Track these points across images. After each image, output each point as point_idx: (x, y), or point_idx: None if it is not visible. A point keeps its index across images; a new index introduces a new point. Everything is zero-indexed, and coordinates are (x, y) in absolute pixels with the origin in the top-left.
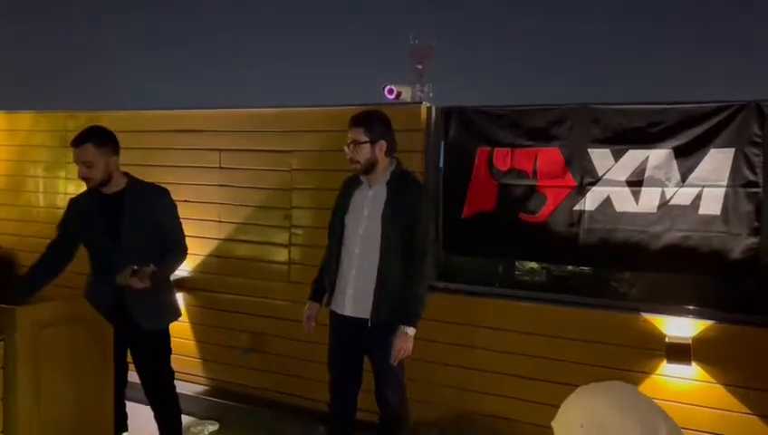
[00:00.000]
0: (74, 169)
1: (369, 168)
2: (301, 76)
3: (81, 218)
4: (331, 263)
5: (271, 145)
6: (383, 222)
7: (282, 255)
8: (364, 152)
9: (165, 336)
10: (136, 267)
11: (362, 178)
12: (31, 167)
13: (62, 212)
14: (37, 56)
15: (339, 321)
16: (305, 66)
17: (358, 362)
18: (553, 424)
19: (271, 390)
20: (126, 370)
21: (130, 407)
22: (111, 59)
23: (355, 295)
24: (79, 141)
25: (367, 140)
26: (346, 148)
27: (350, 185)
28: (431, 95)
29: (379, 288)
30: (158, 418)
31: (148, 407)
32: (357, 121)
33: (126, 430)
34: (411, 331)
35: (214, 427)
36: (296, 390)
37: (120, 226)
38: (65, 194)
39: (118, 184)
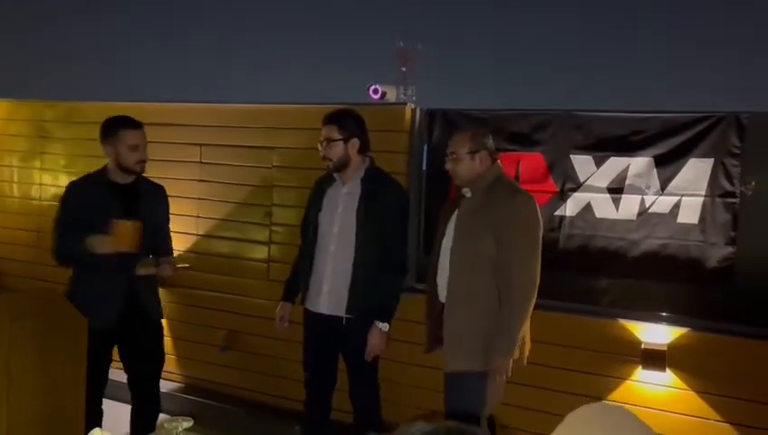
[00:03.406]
0: (50, 159)
1: (342, 166)
2: (284, 73)
3: (93, 207)
4: (305, 261)
5: (253, 141)
6: (358, 219)
7: (261, 252)
8: (337, 150)
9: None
10: (152, 257)
11: (336, 175)
12: (6, 156)
13: (36, 203)
14: (17, 44)
15: (313, 319)
16: (289, 63)
17: (332, 360)
18: None
19: (247, 388)
20: (108, 368)
21: (105, 403)
22: (93, 49)
23: (330, 293)
24: (140, 123)
25: (340, 137)
26: (319, 145)
27: (323, 183)
28: (414, 98)
29: (355, 285)
30: (137, 412)
31: (119, 404)
32: (330, 119)
33: (100, 426)
34: (385, 327)
35: (188, 423)
36: (273, 388)
37: (135, 216)
38: (40, 185)
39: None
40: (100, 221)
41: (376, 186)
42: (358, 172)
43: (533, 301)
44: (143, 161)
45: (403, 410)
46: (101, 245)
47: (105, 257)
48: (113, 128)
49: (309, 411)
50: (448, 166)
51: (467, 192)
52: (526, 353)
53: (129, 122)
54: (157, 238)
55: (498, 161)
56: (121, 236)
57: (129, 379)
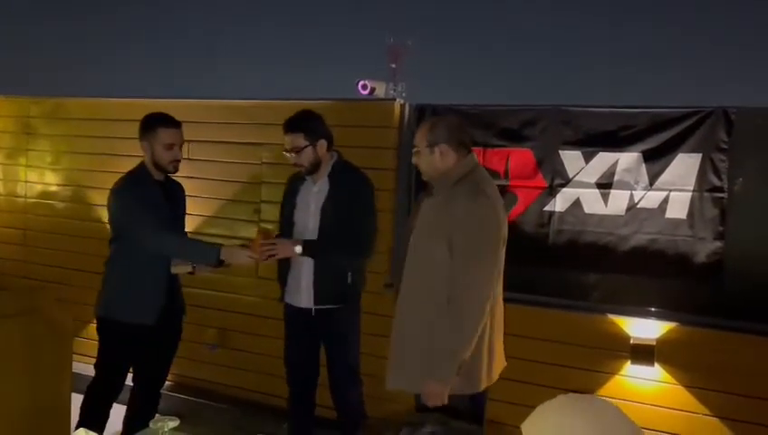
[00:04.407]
0: (36, 156)
1: (315, 168)
2: (272, 68)
3: (153, 207)
4: (283, 258)
5: (241, 137)
6: (323, 213)
7: None
8: (307, 156)
9: None
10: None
11: (306, 175)
12: None
13: (22, 201)
14: (2, 41)
15: (294, 313)
16: (278, 59)
17: (314, 353)
18: (523, 428)
19: (236, 386)
20: (128, 372)
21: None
22: (80, 45)
23: (309, 288)
24: (178, 122)
25: (307, 144)
26: (287, 155)
27: (295, 182)
28: (404, 94)
29: (318, 275)
30: (136, 411)
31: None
32: (293, 127)
33: (102, 432)
34: (299, 249)
35: (174, 423)
36: (262, 386)
37: (176, 213)
38: (26, 182)
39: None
40: (164, 221)
41: (342, 179)
42: (327, 169)
43: (480, 319)
44: (177, 161)
45: (386, 406)
46: (239, 257)
47: (151, 255)
48: (151, 125)
49: (293, 408)
50: (413, 160)
51: (435, 190)
52: (493, 376)
53: (167, 121)
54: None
55: (471, 156)
56: (260, 246)
57: (139, 378)
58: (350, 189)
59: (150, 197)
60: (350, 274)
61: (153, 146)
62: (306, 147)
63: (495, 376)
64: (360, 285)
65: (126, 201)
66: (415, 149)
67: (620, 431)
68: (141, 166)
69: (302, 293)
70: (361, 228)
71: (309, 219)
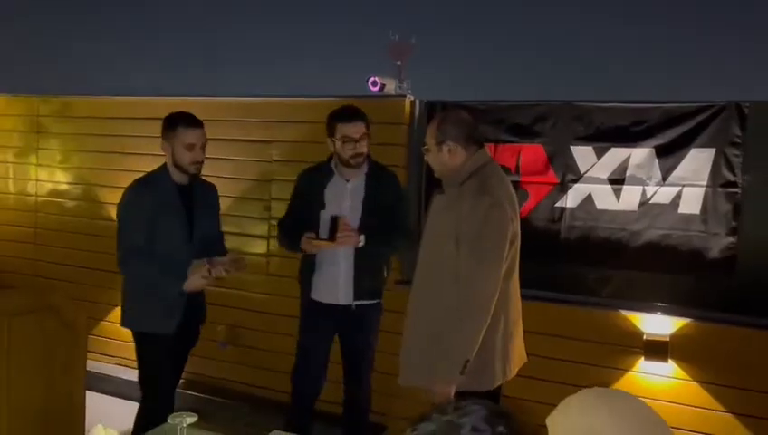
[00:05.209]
0: (46, 155)
1: (365, 160)
2: (282, 66)
3: (159, 208)
4: (309, 257)
5: (251, 135)
6: (365, 208)
7: (260, 247)
8: (366, 145)
9: None
10: (205, 260)
11: (335, 170)
12: (1, 152)
13: (32, 199)
14: (9, 39)
15: (323, 310)
16: (286, 56)
17: (329, 351)
18: (548, 422)
19: (248, 383)
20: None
21: (106, 400)
22: (89, 43)
23: (347, 284)
24: (200, 122)
25: (367, 132)
26: (353, 144)
27: (314, 178)
28: (410, 91)
29: (359, 272)
30: (148, 410)
31: (122, 401)
32: (357, 115)
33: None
34: (362, 241)
35: (192, 419)
36: (273, 383)
37: (193, 221)
38: (36, 181)
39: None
40: (166, 224)
41: (380, 176)
42: (363, 167)
43: (483, 317)
44: (198, 162)
45: (401, 403)
46: (192, 284)
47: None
48: (172, 124)
49: (298, 404)
50: (425, 158)
51: (445, 187)
52: (509, 373)
53: (188, 120)
54: (208, 240)
55: (483, 151)
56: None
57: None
58: (389, 186)
59: (162, 200)
60: (385, 269)
61: (174, 146)
62: (366, 135)
63: (513, 373)
64: (388, 280)
65: (123, 206)
66: (425, 147)
67: (652, 430)
68: (162, 167)
69: (340, 290)
70: (404, 223)
71: (344, 215)
